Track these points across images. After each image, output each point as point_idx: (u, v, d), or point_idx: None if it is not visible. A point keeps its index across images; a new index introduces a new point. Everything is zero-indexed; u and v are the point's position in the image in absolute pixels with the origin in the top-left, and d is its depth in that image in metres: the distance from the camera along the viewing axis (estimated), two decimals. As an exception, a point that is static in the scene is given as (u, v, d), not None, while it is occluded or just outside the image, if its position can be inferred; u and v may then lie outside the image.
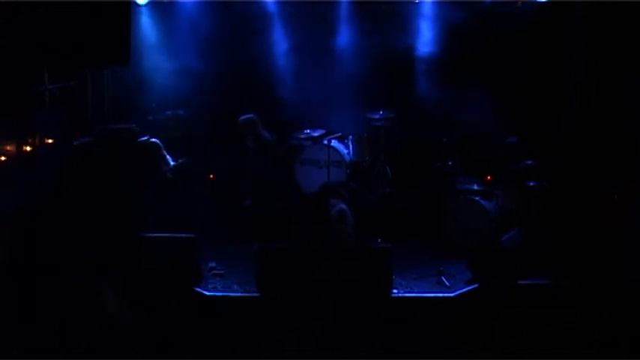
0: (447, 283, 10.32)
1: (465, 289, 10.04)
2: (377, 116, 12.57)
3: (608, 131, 11.44)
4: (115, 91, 12.55)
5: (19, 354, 9.07)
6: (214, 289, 10.14)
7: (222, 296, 9.96)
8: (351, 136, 12.53)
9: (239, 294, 10.05)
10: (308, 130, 12.74)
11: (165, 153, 11.61)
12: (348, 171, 12.31)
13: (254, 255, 10.20)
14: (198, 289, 9.99)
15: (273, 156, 11.71)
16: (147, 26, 12.58)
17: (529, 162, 11.43)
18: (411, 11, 12.76)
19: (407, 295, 10.03)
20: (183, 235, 10.33)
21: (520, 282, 10.00)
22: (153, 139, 11.50)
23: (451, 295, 9.96)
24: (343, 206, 10.66)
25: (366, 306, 9.76)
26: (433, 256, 10.94)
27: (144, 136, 12.06)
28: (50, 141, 10.40)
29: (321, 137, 12.66)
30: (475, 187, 11.76)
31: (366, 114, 12.65)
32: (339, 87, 12.85)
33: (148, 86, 12.46)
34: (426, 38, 12.64)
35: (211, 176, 12.48)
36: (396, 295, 9.98)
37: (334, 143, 12.30)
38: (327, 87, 12.86)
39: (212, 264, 10.78)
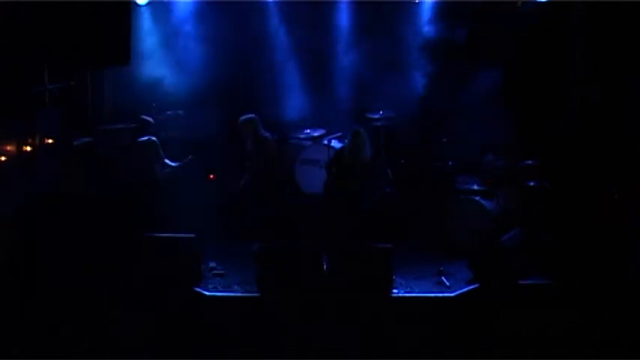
0: (447, 283, 10.32)
1: (465, 289, 10.04)
2: (377, 116, 12.59)
3: (608, 131, 11.44)
4: (115, 91, 12.56)
5: (19, 354, 9.07)
6: (214, 289, 10.14)
7: (222, 296, 9.96)
8: (351, 136, 12.53)
9: (239, 294, 10.05)
10: (308, 130, 12.75)
11: (162, 153, 11.58)
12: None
13: (254, 255, 10.20)
14: (198, 289, 9.99)
15: (273, 156, 11.68)
16: (147, 26, 12.58)
17: (529, 162, 11.42)
18: (411, 11, 12.77)
19: (407, 295, 10.03)
20: (184, 235, 10.33)
21: (520, 282, 9.99)
22: (152, 138, 11.49)
23: (451, 295, 9.96)
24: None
25: (366, 306, 9.76)
26: (433, 256, 10.93)
27: (144, 136, 12.07)
28: (50, 141, 10.41)
29: (321, 137, 12.67)
30: (475, 187, 11.76)
31: (366, 114, 12.66)
32: (339, 87, 12.86)
33: (148, 86, 12.45)
34: (425, 38, 12.64)
35: (211, 176, 12.49)
36: (396, 295, 9.98)
37: (334, 143, 12.30)
38: (327, 87, 12.87)
39: (212, 264, 10.78)
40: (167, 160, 11.51)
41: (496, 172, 11.65)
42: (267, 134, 11.57)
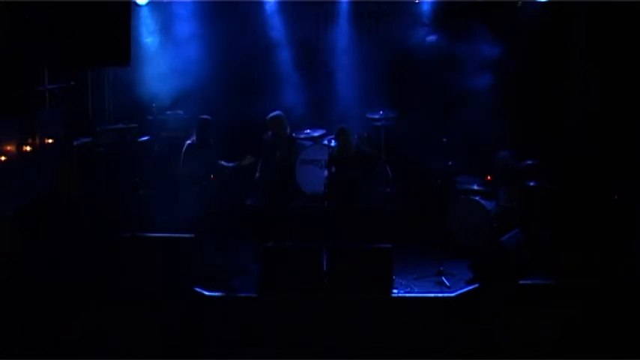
0: (447, 283, 10.32)
1: (465, 289, 10.04)
2: (377, 116, 12.59)
3: (609, 131, 11.44)
4: (115, 91, 12.56)
5: (19, 354, 9.07)
6: (215, 289, 10.14)
7: (223, 296, 9.96)
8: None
9: (239, 294, 10.05)
10: (308, 130, 12.74)
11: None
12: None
13: (254, 255, 10.20)
14: (198, 289, 9.98)
15: (293, 155, 11.73)
16: (147, 26, 12.57)
17: (529, 161, 11.42)
18: (411, 11, 12.78)
19: (407, 295, 10.03)
20: (184, 235, 10.32)
21: (520, 282, 9.99)
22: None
23: (451, 295, 9.96)
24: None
25: (366, 306, 9.76)
26: (433, 256, 10.93)
27: (144, 136, 12.08)
28: (50, 141, 10.40)
29: (321, 137, 12.67)
30: (475, 187, 11.77)
31: (366, 114, 12.66)
32: (340, 87, 12.86)
33: (148, 86, 12.45)
34: (425, 38, 12.64)
35: (212, 176, 12.47)
36: (396, 295, 9.98)
37: (334, 143, 12.28)
38: (327, 87, 12.87)
39: (214, 264, 10.77)
40: (223, 162, 11.48)
41: (503, 171, 11.62)
42: (292, 133, 11.63)
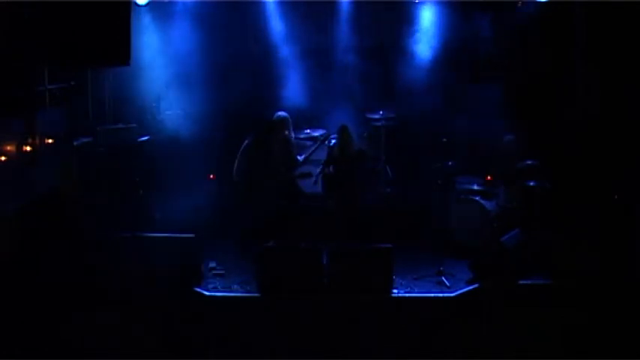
0: (447, 283, 10.32)
1: (465, 289, 10.04)
2: (377, 116, 12.59)
3: (609, 131, 11.44)
4: (115, 91, 12.56)
5: (19, 354, 9.07)
6: (214, 289, 10.14)
7: (222, 296, 9.96)
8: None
9: (239, 294, 10.06)
10: (308, 130, 12.74)
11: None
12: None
13: (254, 255, 10.20)
14: (198, 289, 9.99)
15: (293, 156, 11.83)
16: (147, 26, 12.56)
17: (529, 161, 11.42)
18: (411, 11, 12.77)
19: (407, 295, 10.03)
20: (184, 235, 10.33)
21: (520, 282, 9.99)
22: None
23: (451, 295, 9.96)
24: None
25: (366, 306, 9.76)
26: (433, 256, 10.93)
27: (144, 136, 12.08)
28: (50, 141, 10.40)
29: (321, 137, 12.66)
30: (475, 187, 11.76)
31: (366, 114, 12.65)
32: (340, 87, 12.86)
33: (148, 86, 12.44)
34: (426, 38, 12.64)
35: (211, 176, 12.49)
36: (396, 295, 9.98)
37: (333, 143, 12.28)
38: (327, 87, 12.87)
39: (212, 264, 10.79)
40: (298, 156, 11.60)
41: (508, 156, 11.59)
42: (292, 135, 11.71)
